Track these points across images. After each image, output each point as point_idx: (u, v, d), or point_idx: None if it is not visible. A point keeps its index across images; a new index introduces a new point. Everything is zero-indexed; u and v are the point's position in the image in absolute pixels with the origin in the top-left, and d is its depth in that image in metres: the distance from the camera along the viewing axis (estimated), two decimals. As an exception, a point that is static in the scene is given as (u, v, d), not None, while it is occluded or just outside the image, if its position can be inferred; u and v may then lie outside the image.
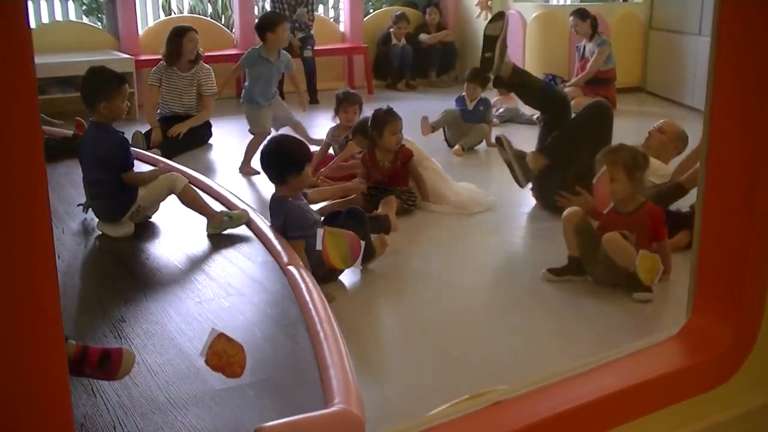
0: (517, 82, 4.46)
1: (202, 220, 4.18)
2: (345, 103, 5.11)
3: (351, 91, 5.47)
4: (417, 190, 4.44)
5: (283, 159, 3.47)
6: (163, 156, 5.60)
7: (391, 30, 8.50)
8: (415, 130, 5.49)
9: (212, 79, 6.11)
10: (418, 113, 5.80)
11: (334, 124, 5.29)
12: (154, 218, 4.16)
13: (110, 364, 2.34)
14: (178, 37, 5.95)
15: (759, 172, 1.93)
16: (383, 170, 4.37)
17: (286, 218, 3.48)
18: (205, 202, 3.93)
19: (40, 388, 1.16)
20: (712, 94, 1.98)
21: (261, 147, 3.78)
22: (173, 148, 5.79)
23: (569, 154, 4.25)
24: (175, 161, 5.28)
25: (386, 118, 4.35)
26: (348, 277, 3.49)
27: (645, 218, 3.34)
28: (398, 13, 8.56)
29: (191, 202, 3.88)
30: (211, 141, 6.23)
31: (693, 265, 2.12)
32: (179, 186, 3.86)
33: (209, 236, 3.89)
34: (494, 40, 4.27)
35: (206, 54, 6.85)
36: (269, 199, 3.67)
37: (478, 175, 5.02)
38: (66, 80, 6.84)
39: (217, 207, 4.05)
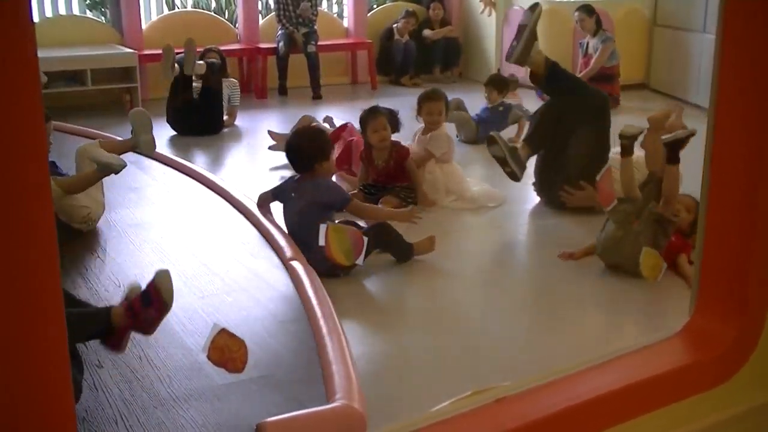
0: (553, 80, 4.35)
1: (206, 216, 4.19)
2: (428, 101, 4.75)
3: (437, 90, 4.97)
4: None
5: (311, 148, 3.63)
6: (173, 129, 6.10)
7: (396, 25, 8.49)
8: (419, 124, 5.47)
9: (238, 93, 6.56)
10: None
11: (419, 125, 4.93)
12: (157, 214, 4.17)
13: (150, 298, 2.37)
14: None
15: (763, 172, 1.93)
16: (378, 169, 4.37)
17: (330, 185, 3.65)
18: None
19: (43, 383, 1.16)
20: (716, 92, 1.98)
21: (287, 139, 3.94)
22: (184, 124, 6.09)
23: (559, 145, 4.21)
24: (184, 153, 5.30)
25: (368, 117, 4.36)
26: (350, 273, 3.48)
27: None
28: (409, 9, 8.56)
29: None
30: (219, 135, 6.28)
31: (696, 263, 2.12)
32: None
33: (212, 233, 3.91)
34: (522, 28, 4.24)
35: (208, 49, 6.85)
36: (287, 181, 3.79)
37: (478, 172, 5.01)
38: (70, 74, 6.84)
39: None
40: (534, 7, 4.29)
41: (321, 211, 3.50)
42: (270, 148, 5.44)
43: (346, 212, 3.70)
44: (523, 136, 4.46)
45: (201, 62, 6.08)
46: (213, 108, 6.17)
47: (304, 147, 3.66)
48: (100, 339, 2.39)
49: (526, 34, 4.20)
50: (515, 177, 4.26)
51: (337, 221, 3.49)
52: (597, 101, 4.32)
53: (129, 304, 2.37)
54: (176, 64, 6.06)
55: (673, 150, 3.45)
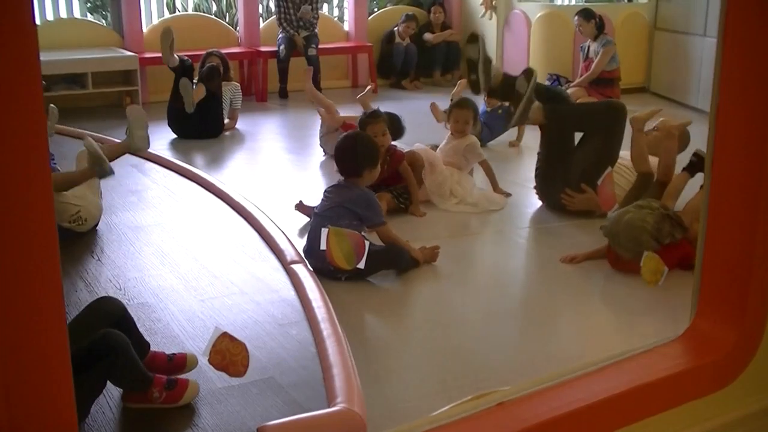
0: (509, 92, 4.36)
1: (206, 219, 4.18)
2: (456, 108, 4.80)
3: (468, 100, 4.97)
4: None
5: (363, 153, 3.61)
6: (174, 132, 6.13)
7: (397, 28, 8.50)
8: (422, 128, 5.48)
9: (240, 96, 6.55)
10: (422, 112, 5.79)
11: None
12: (158, 217, 4.17)
13: (174, 387, 2.35)
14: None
15: (764, 176, 1.93)
16: None
17: (372, 201, 3.57)
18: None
19: (44, 387, 1.16)
20: (717, 95, 1.98)
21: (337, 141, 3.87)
22: (185, 127, 6.10)
23: (568, 149, 4.21)
24: (185, 155, 5.31)
25: (368, 121, 4.36)
26: (350, 277, 3.48)
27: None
28: (409, 13, 8.57)
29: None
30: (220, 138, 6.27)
31: (697, 266, 2.12)
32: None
33: (212, 236, 3.91)
34: (475, 63, 4.27)
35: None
36: (336, 183, 3.69)
37: (480, 175, 5.01)
38: (71, 77, 6.85)
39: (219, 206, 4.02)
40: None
41: (351, 218, 3.43)
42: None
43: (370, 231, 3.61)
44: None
45: (175, 57, 6.04)
46: (213, 111, 6.18)
47: (358, 151, 3.62)
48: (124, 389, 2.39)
49: (481, 65, 4.24)
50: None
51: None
52: (613, 111, 4.29)
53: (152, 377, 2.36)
54: (176, 56, 6.07)
55: (698, 165, 3.52)
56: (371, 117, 4.38)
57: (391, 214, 4.17)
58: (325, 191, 3.66)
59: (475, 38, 4.29)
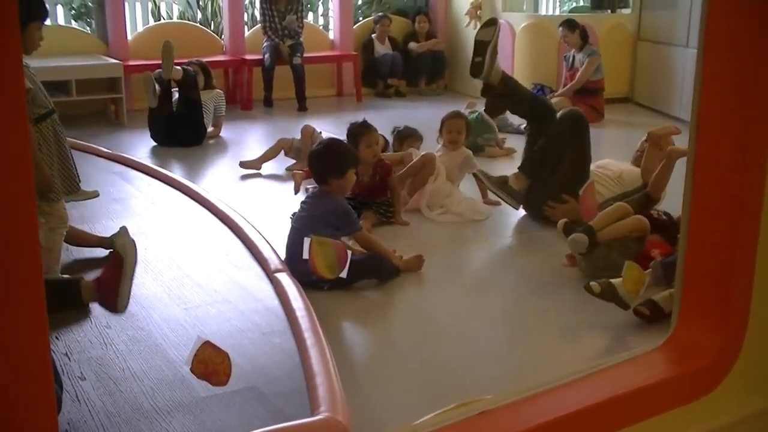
0: (506, 91, 4.45)
1: (190, 227, 4.17)
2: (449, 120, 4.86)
3: (459, 111, 5.13)
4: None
5: (328, 162, 3.56)
6: (154, 140, 6.15)
7: (373, 35, 8.52)
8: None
9: (224, 103, 6.60)
10: (408, 121, 5.80)
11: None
12: (141, 225, 4.15)
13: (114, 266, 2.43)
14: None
15: (745, 185, 1.95)
16: (362, 184, 4.33)
17: (344, 210, 3.53)
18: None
19: (25, 395, 1.15)
20: (698, 105, 2.00)
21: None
22: (166, 136, 6.12)
23: (549, 167, 4.26)
24: (168, 163, 5.29)
25: (360, 131, 4.29)
26: (333, 286, 3.47)
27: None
28: (379, 13, 8.58)
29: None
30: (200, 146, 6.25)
31: (678, 275, 2.13)
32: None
33: (196, 244, 3.90)
34: (485, 45, 4.26)
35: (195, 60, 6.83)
36: (311, 192, 3.68)
37: (465, 185, 5.03)
38: (55, 85, 6.81)
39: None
40: (491, 23, 4.33)
41: (327, 229, 3.36)
42: (241, 165, 5.44)
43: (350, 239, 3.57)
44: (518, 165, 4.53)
45: (178, 68, 6.04)
46: (195, 119, 6.16)
47: (321, 159, 3.59)
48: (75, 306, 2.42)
49: (491, 49, 4.25)
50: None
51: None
52: (573, 119, 4.35)
53: (98, 282, 2.42)
54: (179, 68, 6.07)
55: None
56: (365, 127, 4.32)
57: (378, 227, 4.17)
58: (302, 202, 3.63)
59: (493, 22, 4.31)
